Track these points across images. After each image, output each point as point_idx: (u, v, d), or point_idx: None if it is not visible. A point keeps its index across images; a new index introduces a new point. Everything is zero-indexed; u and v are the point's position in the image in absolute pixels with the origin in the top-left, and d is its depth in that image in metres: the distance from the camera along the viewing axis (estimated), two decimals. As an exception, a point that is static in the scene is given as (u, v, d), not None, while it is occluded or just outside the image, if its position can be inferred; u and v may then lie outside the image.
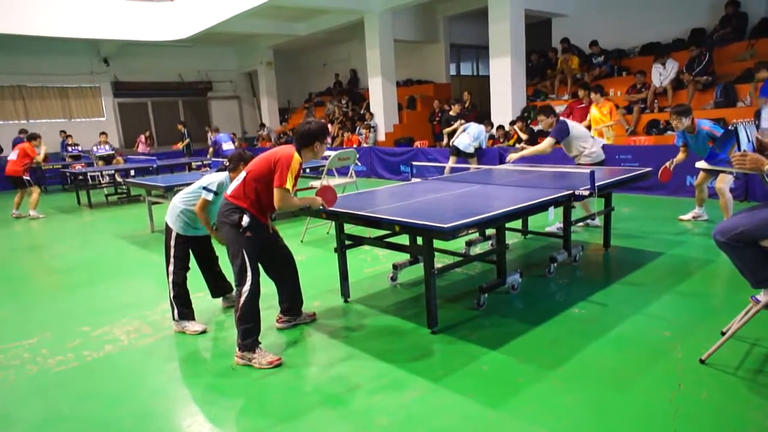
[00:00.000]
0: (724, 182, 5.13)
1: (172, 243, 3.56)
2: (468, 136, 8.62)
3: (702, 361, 2.69)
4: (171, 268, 3.56)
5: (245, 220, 2.99)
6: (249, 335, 3.01)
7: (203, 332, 3.54)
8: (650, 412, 2.33)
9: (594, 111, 7.37)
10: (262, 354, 3.02)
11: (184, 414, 2.62)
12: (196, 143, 15.06)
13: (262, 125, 16.88)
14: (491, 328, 3.33)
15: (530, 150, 5.40)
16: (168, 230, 3.58)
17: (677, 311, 3.45)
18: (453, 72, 15.06)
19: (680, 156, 5.35)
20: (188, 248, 3.63)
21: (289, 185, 2.94)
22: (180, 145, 13.98)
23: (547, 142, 5.26)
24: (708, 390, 2.46)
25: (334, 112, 15.03)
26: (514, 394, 2.56)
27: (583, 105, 8.19)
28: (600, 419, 2.31)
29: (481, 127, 8.80)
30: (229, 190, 3.13)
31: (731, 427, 2.20)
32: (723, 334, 2.81)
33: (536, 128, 10.05)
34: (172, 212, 3.58)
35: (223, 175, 3.52)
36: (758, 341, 2.89)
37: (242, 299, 2.99)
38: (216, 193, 3.44)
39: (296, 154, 3.00)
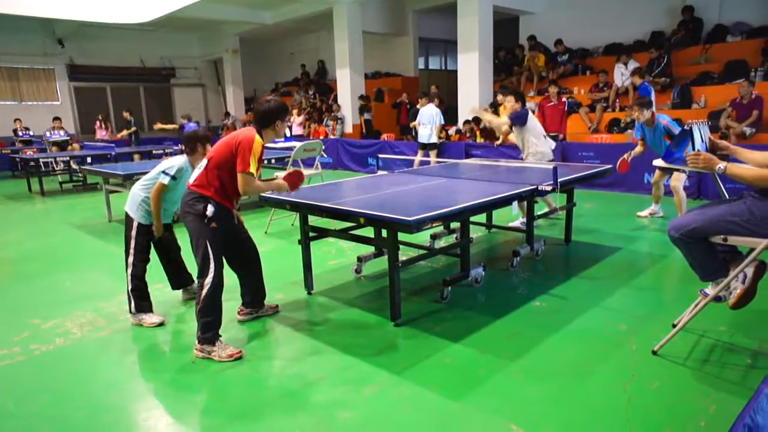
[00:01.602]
0: (678, 181, 5.32)
1: (133, 234, 3.43)
2: (424, 127, 8.65)
3: (654, 353, 2.79)
4: (131, 259, 3.43)
5: (210, 209, 2.90)
6: (209, 328, 2.94)
7: (161, 324, 3.44)
8: (606, 401, 2.40)
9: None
10: (222, 347, 2.95)
11: (140, 408, 2.54)
12: (155, 131, 14.54)
13: (227, 114, 16.51)
14: (454, 320, 3.36)
15: (491, 117, 5.49)
16: (128, 220, 3.45)
17: (633, 304, 3.57)
18: (421, 66, 15.10)
19: (638, 149, 5.53)
20: (150, 239, 3.51)
21: (252, 169, 2.86)
22: (124, 133, 12.88)
23: (503, 119, 5.35)
24: (659, 379, 2.56)
25: (301, 102, 14.84)
26: (476, 385, 2.59)
27: (554, 103, 8.35)
28: (559, 409, 2.37)
29: (431, 108, 8.63)
30: (192, 179, 3.01)
31: (680, 414, 2.29)
32: (674, 326, 2.93)
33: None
34: (133, 201, 3.45)
35: (182, 159, 3.41)
36: (706, 332, 3.02)
37: (204, 291, 2.92)
38: (174, 178, 3.33)
39: (257, 136, 2.91)
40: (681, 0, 9.78)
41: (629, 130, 8.53)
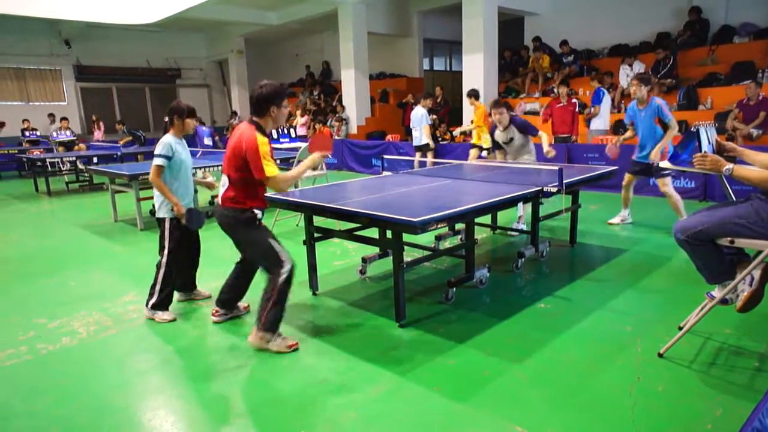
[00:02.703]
0: (667, 185, 5.21)
1: (167, 231, 3.51)
2: (415, 130, 8.64)
3: (660, 355, 2.78)
4: (164, 260, 3.50)
5: (257, 213, 3.03)
6: (279, 318, 3.00)
7: (173, 320, 3.50)
8: (611, 403, 2.39)
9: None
10: (282, 338, 3.03)
11: (144, 408, 2.55)
12: (162, 131, 14.55)
13: (234, 113, 16.53)
14: (458, 322, 3.36)
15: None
16: (161, 223, 3.55)
17: (638, 306, 3.55)
18: (426, 67, 15.09)
19: (628, 134, 5.50)
20: (185, 234, 3.57)
21: (270, 171, 2.88)
22: (121, 142, 12.79)
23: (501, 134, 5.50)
24: (665, 382, 2.54)
25: (306, 103, 14.86)
26: (480, 387, 2.58)
27: (563, 104, 8.28)
28: (563, 411, 2.36)
29: (417, 111, 8.59)
30: (221, 198, 3.07)
31: (686, 417, 2.28)
32: (680, 328, 2.91)
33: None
34: (158, 203, 3.56)
35: (166, 137, 3.49)
36: (712, 335, 3.00)
37: (280, 280, 2.96)
38: (167, 157, 3.43)
39: (258, 136, 2.87)
40: (688, 1, 9.74)
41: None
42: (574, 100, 8.46)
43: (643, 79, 5.13)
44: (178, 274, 3.77)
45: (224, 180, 3.06)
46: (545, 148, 5.26)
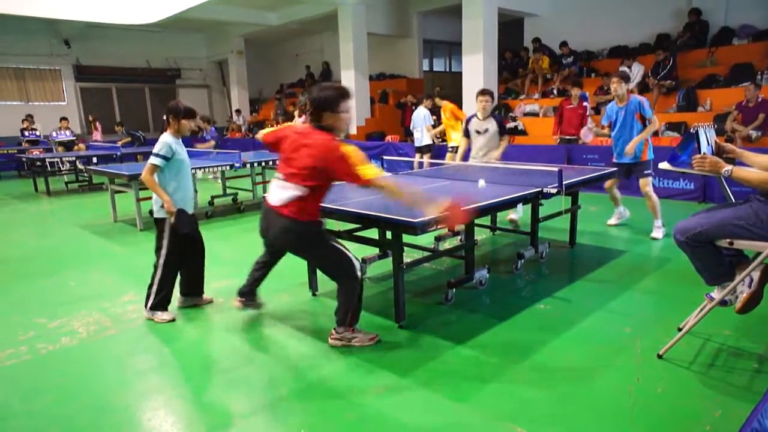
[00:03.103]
0: (648, 185, 5.21)
1: (165, 234, 3.46)
2: (417, 131, 8.66)
3: (659, 356, 2.78)
4: (162, 260, 3.47)
5: (322, 223, 2.96)
6: (358, 313, 3.03)
7: (172, 320, 3.50)
8: (610, 404, 2.40)
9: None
10: (362, 332, 3.07)
11: (144, 408, 2.55)
12: (161, 132, 14.53)
13: (238, 111, 16.46)
14: (458, 322, 3.36)
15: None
16: (158, 223, 3.50)
17: (638, 307, 3.56)
18: (426, 67, 15.10)
19: (605, 131, 5.53)
20: (183, 240, 3.52)
21: (371, 171, 2.60)
22: (120, 143, 12.91)
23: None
24: (664, 383, 2.55)
25: (306, 104, 14.84)
26: (480, 387, 2.59)
27: (573, 105, 8.26)
28: (563, 411, 2.36)
29: (420, 111, 8.65)
30: (281, 208, 2.78)
31: (685, 418, 2.28)
32: (680, 329, 2.92)
33: (507, 126, 10.19)
34: (156, 203, 3.51)
35: (167, 137, 3.45)
36: (711, 336, 3.01)
37: (357, 284, 2.97)
38: (167, 158, 3.39)
39: (342, 144, 2.66)
40: (687, 2, 9.75)
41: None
42: (585, 104, 8.45)
43: (623, 76, 5.17)
44: (185, 281, 3.72)
45: (288, 190, 2.76)
46: (495, 153, 5.47)
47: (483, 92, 5.53)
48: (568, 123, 8.32)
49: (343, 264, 2.90)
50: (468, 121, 5.76)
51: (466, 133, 5.74)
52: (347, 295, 2.99)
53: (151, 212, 6.94)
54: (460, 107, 10.93)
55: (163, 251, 3.48)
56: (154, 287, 3.50)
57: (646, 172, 5.15)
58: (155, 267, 3.51)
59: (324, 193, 2.85)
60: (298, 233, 2.81)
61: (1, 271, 4.92)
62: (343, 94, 2.77)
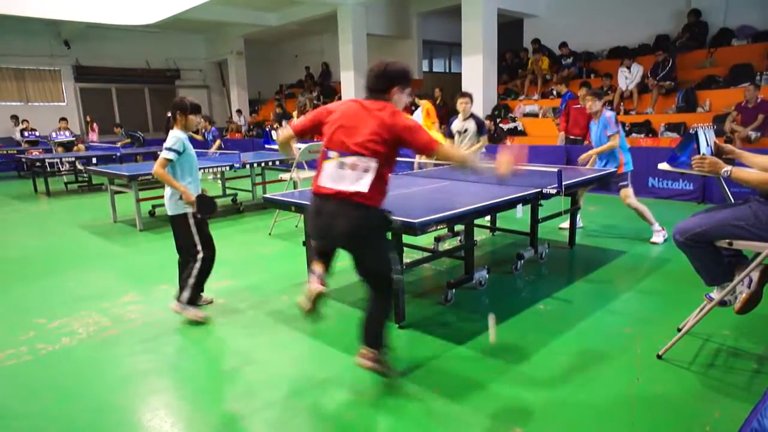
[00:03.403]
0: (629, 197, 5.12)
1: (192, 226, 3.39)
2: None
3: (659, 356, 2.79)
4: (200, 255, 3.42)
5: (390, 216, 2.59)
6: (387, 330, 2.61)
7: (203, 322, 3.45)
8: (610, 405, 2.40)
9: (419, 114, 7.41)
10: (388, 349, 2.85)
11: (144, 408, 2.55)
12: (160, 132, 14.53)
13: (239, 112, 16.41)
14: (458, 323, 3.36)
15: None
16: (177, 220, 3.41)
17: (637, 308, 3.56)
18: (425, 68, 15.11)
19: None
20: (208, 229, 3.48)
21: (438, 136, 2.53)
22: (119, 144, 12.83)
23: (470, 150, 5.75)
24: (664, 384, 2.55)
25: (306, 104, 14.86)
26: (479, 388, 2.59)
27: (581, 106, 8.21)
28: (563, 412, 2.36)
29: (418, 113, 8.58)
30: (344, 192, 2.36)
31: (685, 419, 2.28)
32: (679, 330, 2.92)
33: (506, 126, 10.21)
34: (169, 202, 3.40)
35: (178, 132, 3.37)
36: (711, 337, 3.01)
37: (393, 290, 2.60)
38: (179, 153, 3.32)
39: (404, 115, 2.45)
40: (686, 3, 9.77)
41: (633, 134, 8.51)
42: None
43: (596, 93, 5.30)
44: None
45: (357, 170, 2.35)
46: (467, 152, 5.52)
47: (462, 95, 5.78)
48: (574, 123, 8.34)
49: (389, 261, 2.50)
50: (450, 122, 5.93)
51: (449, 134, 5.90)
52: (387, 301, 2.56)
53: (151, 213, 7.01)
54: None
55: (198, 245, 3.41)
56: (191, 280, 3.41)
57: (621, 183, 5.14)
58: (189, 260, 3.43)
59: (388, 173, 2.46)
60: (375, 223, 2.41)
61: (0, 271, 4.92)
62: (411, 74, 2.61)
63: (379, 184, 2.39)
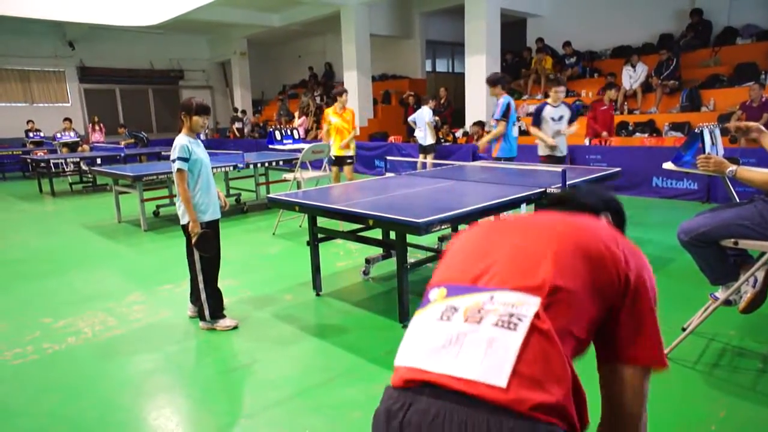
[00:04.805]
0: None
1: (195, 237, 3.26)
2: (419, 130, 8.70)
3: (664, 356, 2.78)
4: (198, 266, 3.30)
5: None
6: None
7: (235, 327, 3.37)
8: (614, 404, 2.39)
9: (335, 119, 6.73)
10: None
11: (150, 407, 2.56)
12: (164, 132, 14.58)
13: (243, 112, 16.39)
14: (462, 322, 3.35)
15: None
16: (186, 231, 3.30)
17: (641, 307, 3.54)
18: (428, 68, 15.11)
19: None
20: (217, 240, 3.37)
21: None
22: (122, 144, 12.95)
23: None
24: (669, 383, 2.54)
25: (309, 105, 14.88)
26: (483, 387, 2.58)
27: (606, 107, 8.33)
28: (566, 412, 2.36)
29: (422, 110, 8.71)
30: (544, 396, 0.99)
31: (690, 419, 2.28)
32: (684, 329, 2.91)
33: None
34: (180, 210, 3.30)
35: (181, 138, 3.23)
36: (716, 336, 3.01)
37: None
38: (185, 159, 3.17)
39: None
40: (690, 2, 9.74)
41: (637, 134, 8.50)
42: (612, 103, 8.60)
43: (488, 80, 5.69)
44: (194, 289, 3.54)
45: (519, 336, 1.02)
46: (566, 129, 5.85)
47: (559, 83, 6.01)
48: (602, 123, 8.41)
49: None
50: (538, 110, 6.02)
51: (537, 122, 6.02)
52: None
53: (155, 213, 7.04)
54: (463, 108, 10.97)
55: (196, 258, 3.30)
56: (203, 295, 3.32)
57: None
58: (193, 276, 3.36)
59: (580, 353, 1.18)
60: None
61: (6, 271, 4.95)
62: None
63: (572, 385, 1.15)
